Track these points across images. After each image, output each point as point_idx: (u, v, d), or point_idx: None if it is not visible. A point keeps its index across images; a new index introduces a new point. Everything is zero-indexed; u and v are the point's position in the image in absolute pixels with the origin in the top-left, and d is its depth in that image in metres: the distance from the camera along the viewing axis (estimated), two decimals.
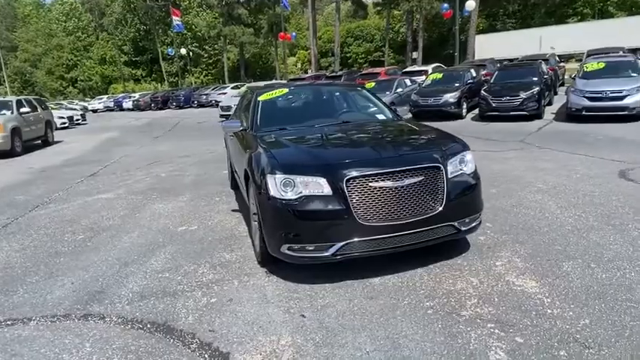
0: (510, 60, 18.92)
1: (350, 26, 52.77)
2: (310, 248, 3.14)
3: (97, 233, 5.03)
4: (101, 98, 42.23)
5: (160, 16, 49.25)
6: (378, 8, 39.35)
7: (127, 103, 36.44)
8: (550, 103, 13.65)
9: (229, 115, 19.70)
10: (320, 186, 3.11)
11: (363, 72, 22.30)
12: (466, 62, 21.42)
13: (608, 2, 35.10)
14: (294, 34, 35.94)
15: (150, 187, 7.34)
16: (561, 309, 2.72)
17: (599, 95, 10.51)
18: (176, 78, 49.55)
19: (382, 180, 3.10)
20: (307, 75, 26.30)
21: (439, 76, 14.30)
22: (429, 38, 40.46)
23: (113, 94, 46.71)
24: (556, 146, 8.04)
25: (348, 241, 3.08)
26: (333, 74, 24.04)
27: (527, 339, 2.45)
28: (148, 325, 2.92)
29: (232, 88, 27.32)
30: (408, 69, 20.68)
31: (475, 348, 2.40)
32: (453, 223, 3.30)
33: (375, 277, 3.31)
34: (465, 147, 3.57)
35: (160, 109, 32.22)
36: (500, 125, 11.37)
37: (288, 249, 3.18)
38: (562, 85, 17.93)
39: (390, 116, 4.77)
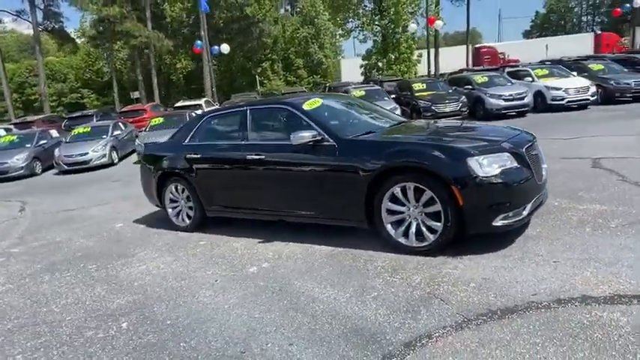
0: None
1: (31, 63, 44.61)
2: (511, 214, 3.69)
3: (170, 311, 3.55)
4: None
5: None
6: (97, 42, 35.06)
7: None
8: None
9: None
10: (505, 160, 3.70)
11: (123, 110, 20.11)
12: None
13: (289, 51, 43.81)
14: None
15: (61, 256, 5.22)
16: None
17: None
18: None
19: (532, 150, 4.02)
20: (34, 118, 21.05)
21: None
22: (128, 78, 39.34)
23: None
24: None
25: (533, 199, 3.83)
26: (81, 114, 20.44)
27: None
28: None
29: None
30: (179, 104, 20.03)
31: None
32: None
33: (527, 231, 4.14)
34: None
35: None
36: None
37: (501, 219, 3.62)
38: None
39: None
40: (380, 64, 26.53)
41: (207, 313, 3.38)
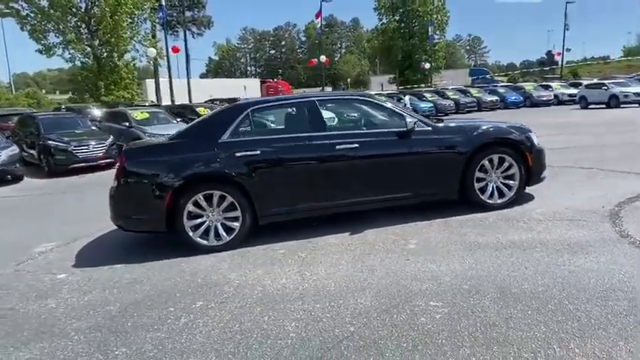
0: None
1: None
2: (545, 171, 5.39)
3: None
4: None
5: None
6: None
7: None
8: None
9: None
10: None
11: None
12: None
13: None
14: None
15: (89, 320, 3.24)
16: None
17: None
18: None
19: None
20: None
21: None
22: None
23: None
24: None
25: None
26: None
27: None
28: None
29: None
30: None
31: None
32: None
33: None
34: None
35: None
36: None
37: (543, 174, 5.32)
38: None
39: None
40: (95, 88, 23.39)
41: (477, 281, 3.42)
